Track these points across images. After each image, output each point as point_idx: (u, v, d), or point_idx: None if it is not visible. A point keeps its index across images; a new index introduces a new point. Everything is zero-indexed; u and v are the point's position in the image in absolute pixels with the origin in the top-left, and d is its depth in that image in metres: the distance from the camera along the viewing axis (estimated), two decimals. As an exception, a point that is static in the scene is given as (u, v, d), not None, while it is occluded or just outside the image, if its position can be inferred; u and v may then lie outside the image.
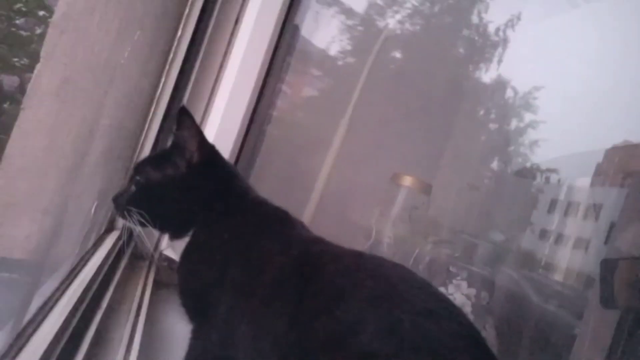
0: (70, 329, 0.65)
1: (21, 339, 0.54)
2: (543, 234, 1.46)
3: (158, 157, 0.83)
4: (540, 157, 1.48)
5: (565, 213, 1.46)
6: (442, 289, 1.19)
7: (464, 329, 0.52)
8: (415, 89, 1.60)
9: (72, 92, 1.05)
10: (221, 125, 1.26)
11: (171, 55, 1.17)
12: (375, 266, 0.62)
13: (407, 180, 1.33)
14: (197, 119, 1.27)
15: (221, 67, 1.28)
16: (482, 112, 1.61)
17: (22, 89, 1.55)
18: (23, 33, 2.65)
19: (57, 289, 0.70)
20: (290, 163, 1.67)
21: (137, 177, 0.79)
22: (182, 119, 0.78)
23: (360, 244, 1.37)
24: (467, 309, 1.16)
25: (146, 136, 1.19)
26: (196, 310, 0.71)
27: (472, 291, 1.17)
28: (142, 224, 0.77)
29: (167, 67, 1.18)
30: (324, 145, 1.56)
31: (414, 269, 1.28)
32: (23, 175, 1.05)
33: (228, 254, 0.69)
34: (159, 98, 1.18)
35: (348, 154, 1.54)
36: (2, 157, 1.04)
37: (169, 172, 0.78)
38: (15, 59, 2.56)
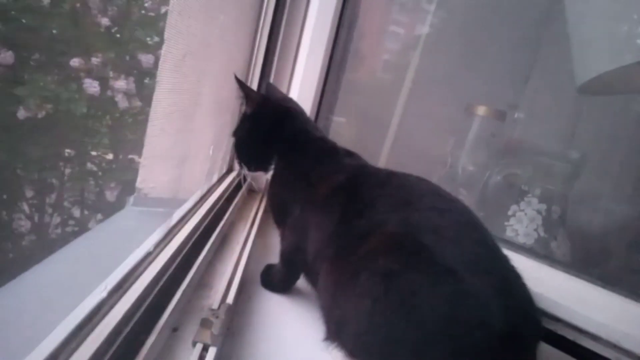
0: (199, 233, 0.93)
1: (170, 234, 0.83)
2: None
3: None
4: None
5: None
6: (514, 206, 1.29)
7: (463, 217, 0.74)
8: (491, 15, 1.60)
9: (188, 65, 1.34)
10: (305, 73, 1.45)
11: (260, 28, 1.38)
12: (399, 181, 0.83)
13: (481, 110, 1.41)
14: (287, 72, 1.48)
15: (302, 27, 1.45)
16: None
17: (156, 65, 1.88)
18: (151, 14, 3.08)
19: (191, 209, 0.98)
20: (368, 102, 1.81)
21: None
22: (237, 83, 1.03)
23: (436, 172, 1.51)
24: (538, 222, 1.25)
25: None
26: (280, 219, 0.95)
27: (543, 206, 1.25)
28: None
29: (257, 38, 1.39)
30: (398, 82, 1.66)
31: (486, 188, 1.39)
32: (162, 134, 1.38)
33: (296, 178, 0.92)
34: (254, 64, 1.41)
35: (421, 88, 1.63)
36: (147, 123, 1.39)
37: (240, 122, 1.05)
38: (148, 38, 3.01)
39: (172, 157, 1.38)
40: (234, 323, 0.77)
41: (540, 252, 1.24)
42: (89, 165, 3.05)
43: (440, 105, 1.61)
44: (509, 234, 1.29)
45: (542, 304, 0.86)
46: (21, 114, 2.41)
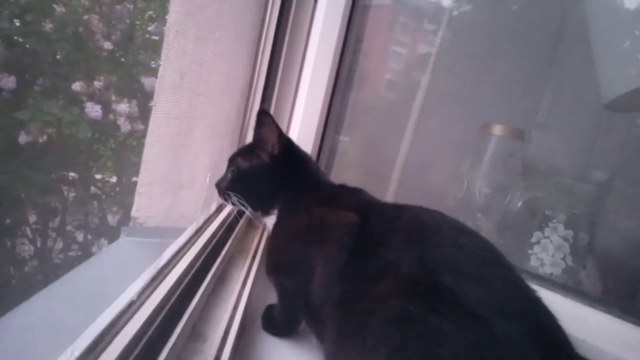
0: (193, 271, 0.84)
1: (160, 277, 0.74)
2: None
3: (246, 150, 0.99)
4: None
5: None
6: (537, 233, 1.19)
7: (485, 253, 0.65)
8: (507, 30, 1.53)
9: (185, 87, 1.27)
10: (309, 93, 1.39)
11: (261, 45, 1.32)
12: (411, 214, 0.75)
13: (498, 129, 1.32)
14: (290, 92, 1.41)
15: (305, 47, 1.40)
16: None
17: None
18: (155, 38, 3.06)
19: (185, 244, 0.90)
20: (376, 122, 1.74)
21: (232, 167, 0.98)
22: (262, 118, 0.94)
23: (451, 196, 1.42)
24: (565, 251, 1.15)
25: (248, 117, 1.37)
26: (280, 264, 0.87)
27: (570, 233, 1.15)
28: (238, 204, 0.95)
29: (259, 55, 1.33)
30: (408, 101, 1.59)
31: (507, 214, 1.29)
32: (158, 159, 1.31)
33: (301, 220, 0.83)
34: (255, 84, 1.34)
35: (433, 107, 1.56)
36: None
37: (255, 162, 0.95)
38: (152, 62, 2.98)
39: (168, 184, 1.31)
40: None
41: (568, 284, 1.14)
42: (92, 189, 3.01)
43: (454, 124, 1.53)
44: (534, 263, 1.19)
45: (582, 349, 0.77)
46: (22, 138, 2.37)
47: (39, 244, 2.88)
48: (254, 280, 0.98)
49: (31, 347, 0.71)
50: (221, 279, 0.96)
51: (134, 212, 1.31)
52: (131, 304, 0.63)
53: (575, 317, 0.86)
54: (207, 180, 1.11)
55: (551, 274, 1.16)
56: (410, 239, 0.67)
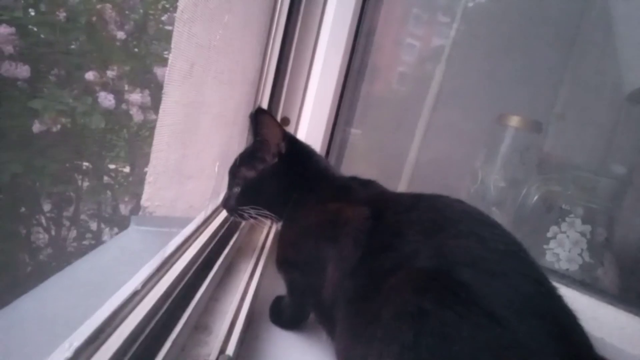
0: (200, 262, 0.83)
1: (165, 266, 0.73)
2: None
3: (247, 158, 0.93)
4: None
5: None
6: (554, 227, 1.16)
7: (506, 246, 0.62)
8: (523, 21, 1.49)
9: (194, 76, 1.26)
10: (320, 85, 1.36)
11: (272, 36, 1.29)
12: (429, 203, 0.71)
13: (514, 120, 1.28)
14: (301, 83, 1.39)
15: (318, 33, 1.37)
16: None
17: None
18: (168, 28, 3.05)
19: (192, 234, 0.88)
20: (389, 114, 1.71)
21: (237, 180, 0.92)
22: (261, 118, 0.88)
23: (465, 189, 1.39)
24: (582, 246, 1.12)
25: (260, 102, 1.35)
26: (291, 259, 0.84)
27: (587, 228, 1.12)
28: (254, 218, 0.90)
29: (269, 46, 1.30)
30: (421, 93, 1.56)
31: (522, 208, 1.26)
32: (168, 148, 1.30)
33: (312, 216, 0.80)
34: (266, 74, 1.32)
35: (447, 98, 1.52)
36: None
37: (262, 167, 0.90)
38: (165, 52, 2.98)
39: (177, 173, 1.30)
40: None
41: (585, 280, 1.10)
42: (105, 178, 3.04)
43: (468, 117, 1.49)
44: (549, 258, 1.16)
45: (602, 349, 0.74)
46: (36, 127, 2.38)
47: (53, 232, 2.91)
48: (262, 272, 0.96)
49: (35, 337, 0.70)
50: (228, 270, 0.95)
51: (143, 201, 1.31)
52: (135, 293, 0.62)
53: (592, 314, 0.84)
54: (216, 170, 1.09)
55: (567, 269, 1.13)
56: (427, 231, 0.64)
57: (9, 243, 2.64)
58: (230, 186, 0.95)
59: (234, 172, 0.95)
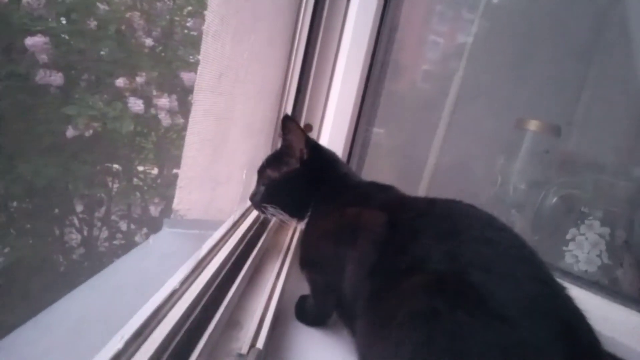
0: (230, 263, 0.89)
1: (200, 267, 0.79)
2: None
3: (274, 160, 1.00)
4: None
5: None
6: (573, 230, 1.18)
7: (516, 250, 0.65)
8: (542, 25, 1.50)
9: (222, 86, 1.32)
10: (342, 85, 1.40)
11: (295, 46, 1.34)
12: (443, 209, 0.76)
13: (533, 124, 1.30)
14: (324, 84, 1.43)
15: (341, 32, 1.40)
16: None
17: None
18: (193, 33, 3.13)
19: (223, 236, 0.94)
20: (410, 114, 1.73)
21: (263, 180, 1.00)
22: (288, 125, 0.94)
23: (485, 191, 1.41)
24: (601, 248, 1.13)
25: (283, 112, 1.40)
26: (313, 261, 0.89)
27: (606, 230, 1.13)
28: (275, 215, 0.97)
29: (293, 56, 1.35)
30: (443, 93, 1.57)
31: (541, 211, 1.28)
32: (198, 155, 1.37)
33: (333, 221, 0.85)
34: (290, 77, 1.37)
35: (467, 101, 1.53)
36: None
37: (285, 170, 0.96)
38: (191, 57, 3.07)
39: (207, 179, 1.36)
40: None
41: (604, 282, 1.12)
42: (135, 180, 3.14)
43: (489, 118, 1.51)
44: (569, 260, 1.18)
45: (609, 346, 0.77)
46: (70, 132, 2.49)
47: (85, 233, 3.02)
48: (288, 272, 1.01)
49: (84, 334, 0.77)
50: (256, 271, 1.00)
51: (175, 205, 1.38)
52: (174, 292, 0.67)
53: (610, 316, 0.86)
54: (244, 177, 1.15)
55: (586, 271, 1.15)
56: (441, 235, 0.68)
57: (44, 244, 2.75)
58: (258, 184, 1.02)
59: (260, 171, 1.02)
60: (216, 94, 1.35)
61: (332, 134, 1.43)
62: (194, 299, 0.69)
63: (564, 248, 1.19)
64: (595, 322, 0.61)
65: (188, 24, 3.14)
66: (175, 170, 3.18)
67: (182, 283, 0.71)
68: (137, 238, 3.19)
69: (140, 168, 3.23)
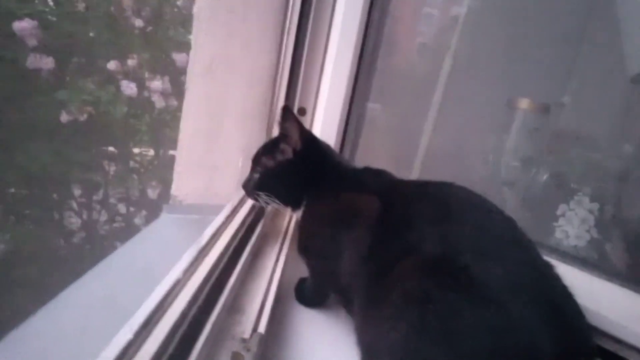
0: (231, 250, 0.91)
1: (201, 255, 0.81)
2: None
3: (269, 148, 0.99)
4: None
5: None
6: (563, 205, 1.21)
7: (506, 232, 0.69)
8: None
9: (215, 71, 1.32)
10: (336, 61, 1.38)
11: (285, 34, 1.32)
12: (436, 192, 0.79)
13: (523, 103, 1.32)
14: (317, 66, 1.41)
15: (332, 14, 1.38)
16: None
17: None
18: (184, 12, 3.09)
19: (222, 224, 0.97)
20: (404, 88, 1.72)
21: (257, 167, 1.00)
22: (284, 114, 0.95)
23: (477, 167, 1.44)
24: (590, 223, 1.17)
25: (276, 100, 1.39)
26: (310, 247, 0.92)
27: (595, 206, 1.16)
28: (268, 203, 0.98)
29: (285, 35, 1.33)
30: (438, 67, 1.56)
31: (532, 188, 1.31)
32: (195, 140, 1.38)
33: (329, 208, 0.88)
34: (282, 63, 1.36)
35: (460, 77, 1.53)
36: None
37: (280, 158, 0.96)
38: (182, 37, 3.03)
39: (203, 164, 1.38)
40: (267, 352, 0.76)
41: (594, 257, 1.16)
42: (131, 163, 3.14)
43: (481, 96, 1.51)
44: (559, 235, 1.21)
45: (599, 322, 0.81)
46: (64, 117, 2.48)
47: (84, 217, 3.05)
48: (287, 255, 1.05)
49: (91, 322, 0.80)
50: (256, 255, 1.03)
51: (173, 191, 1.40)
52: (177, 282, 0.70)
53: (595, 291, 0.90)
54: (240, 165, 1.17)
55: (575, 246, 1.19)
56: (433, 220, 0.71)
57: (44, 229, 2.78)
58: (252, 171, 1.02)
59: (255, 159, 1.02)
60: (208, 80, 1.35)
61: (327, 110, 1.41)
62: (198, 287, 0.72)
63: (554, 224, 1.23)
64: (582, 297, 0.64)
65: (178, 2, 3.10)
66: (171, 152, 3.19)
67: (185, 272, 0.73)
68: (136, 220, 3.22)
69: (136, 150, 3.24)
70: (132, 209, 3.22)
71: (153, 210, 3.18)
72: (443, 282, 0.61)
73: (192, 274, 0.75)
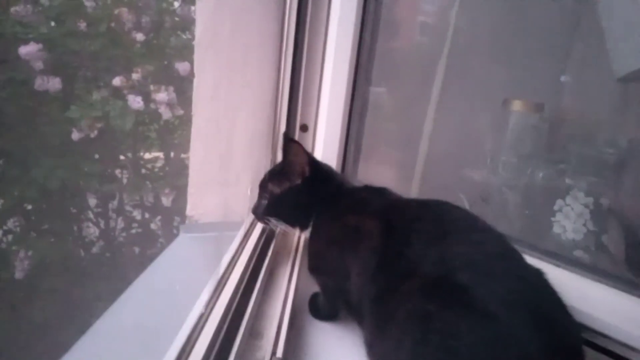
0: (248, 273, 0.98)
1: (220, 285, 0.89)
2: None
3: (275, 175, 1.06)
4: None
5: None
6: (559, 201, 1.26)
7: (496, 248, 0.75)
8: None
9: (219, 96, 1.38)
10: (337, 48, 1.40)
11: (284, 47, 1.37)
12: (432, 213, 0.85)
13: (517, 105, 1.36)
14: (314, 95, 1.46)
15: (324, 49, 1.42)
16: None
17: (192, 73, 1.94)
18: (184, 20, 3.12)
19: (238, 248, 1.04)
20: (406, 71, 1.74)
21: (264, 194, 1.06)
22: (289, 145, 1.01)
23: (477, 170, 1.48)
24: (586, 217, 1.22)
25: (278, 118, 1.44)
26: (320, 267, 1.00)
27: (590, 200, 1.22)
28: (279, 225, 1.06)
29: (282, 62, 1.38)
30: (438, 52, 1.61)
31: (530, 185, 1.36)
32: (205, 162, 1.45)
33: (335, 229, 0.94)
34: (282, 86, 1.40)
35: (452, 89, 1.56)
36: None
37: (287, 185, 1.03)
38: (183, 45, 3.07)
39: (216, 183, 1.45)
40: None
41: (591, 248, 1.22)
42: (143, 170, 3.23)
43: (476, 103, 1.55)
44: (556, 230, 1.27)
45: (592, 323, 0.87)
46: (75, 135, 2.56)
47: (102, 226, 3.14)
48: (299, 272, 1.11)
49: (126, 354, 0.88)
50: (270, 276, 1.10)
51: (188, 211, 1.47)
52: (201, 316, 0.77)
53: (587, 293, 0.96)
54: (249, 192, 1.23)
55: (573, 239, 1.24)
56: (432, 240, 0.77)
57: (64, 241, 2.88)
58: (260, 197, 1.09)
59: (262, 185, 1.09)
60: (215, 103, 1.41)
61: (328, 124, 1.45)
62: (220, 318, 0.79)
63: (552, 219, 1.28)
64: (573, 299, 0.70)
65: (176, 9, 3.14)
66: (182, 155, 3.27)
67: (207, 305, 0.81)
68: (152, 225, 3.32)
69: (148, 156, 3.32)
70: (147, 215, 3.30)
71: (168, 215, 3.28)
72: (442, 302, 0.67)
73: (213, 306, 0.82)
